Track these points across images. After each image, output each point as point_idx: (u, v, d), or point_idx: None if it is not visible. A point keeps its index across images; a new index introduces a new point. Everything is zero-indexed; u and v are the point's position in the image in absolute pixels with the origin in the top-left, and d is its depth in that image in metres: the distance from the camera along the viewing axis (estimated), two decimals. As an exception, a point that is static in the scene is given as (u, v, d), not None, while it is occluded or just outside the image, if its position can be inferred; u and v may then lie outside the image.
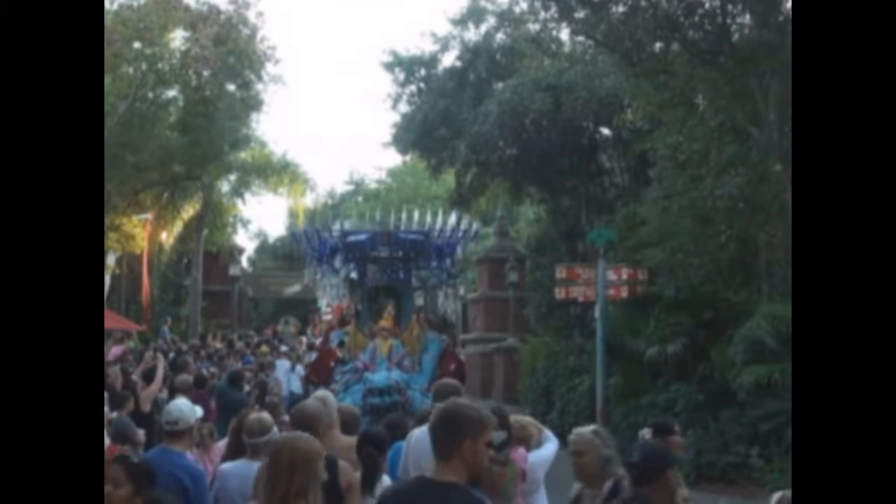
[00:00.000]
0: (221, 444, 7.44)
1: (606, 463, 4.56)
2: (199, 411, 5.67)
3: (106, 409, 8.27)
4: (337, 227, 14.70)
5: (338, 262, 14.45)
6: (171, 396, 9.44)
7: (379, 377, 11.63)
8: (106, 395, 8.94)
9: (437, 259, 14.52)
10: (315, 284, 16.37)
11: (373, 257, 14.28)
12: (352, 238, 14.11)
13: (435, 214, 14.98)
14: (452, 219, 15.00)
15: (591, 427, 4.81)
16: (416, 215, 14.90)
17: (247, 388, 12.49)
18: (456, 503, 3.13)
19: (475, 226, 15.80)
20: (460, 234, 14.36)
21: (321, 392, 6.20)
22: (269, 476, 3.57)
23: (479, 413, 3.35)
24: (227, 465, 5.48)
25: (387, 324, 12.98)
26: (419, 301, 15.39)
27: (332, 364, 13.29)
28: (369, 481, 5.14)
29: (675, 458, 4.54)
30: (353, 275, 14.55)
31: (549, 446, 6.08)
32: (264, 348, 20.10)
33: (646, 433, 5.90)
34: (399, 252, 14.17)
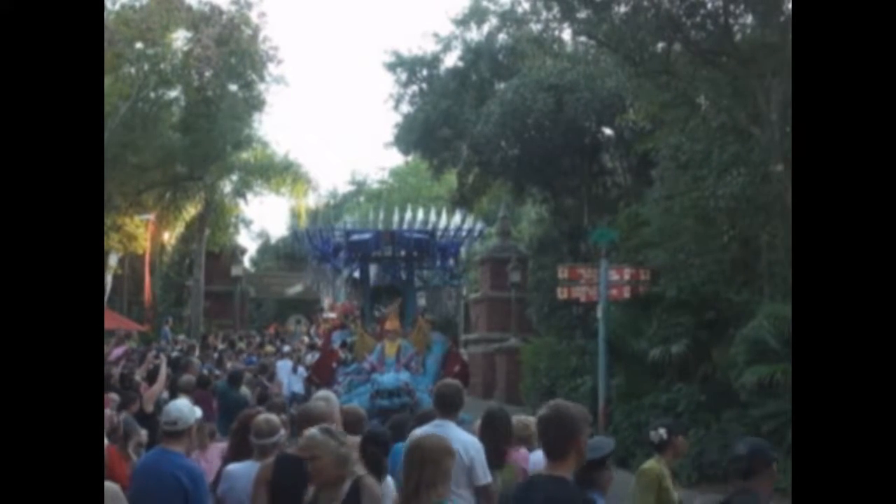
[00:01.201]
0: (220, 445, 7.46)
1: (343, 463, 4.37)
2: (198, 412, 5.66)
3: (111, 411, 8.25)
4: (341, 224, 14.41)
5: (341, 261, 14.32)
6: (174, 396, 9.43)
7: (387, 378, 11.28)
8: (116, 396, 8.93)
9: (441, 258, 14.39)
10: (317, 284, 16.21)
11: (376, 257, 14.10)
12: (355, 237, 13.81)
13: (439, 213, 14.83)
14: (457, 218, 14.71)
15: (322, 426, 4.52)
16: (420, 214, 14.71)
17: (244, 389, 12.41)
18: (567, 494, 3.52)
19: (479, 225, 15.34)
20: (465, 233, 14.15)
21: (323, 392, 6.20)
22: (405, 471, 4.07)
23: (581, 411, 3.75)
24: (235, 466, 5.47)
25: (393, 325, 12.60)
26: (420, 301, 15.16)
27: (335, 365, 13.14)
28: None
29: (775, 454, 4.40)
30: (356, 274, 14.38)
31: None
32: (269, 348, 20.10)
33: (662, 433, 5.78)
34: (402, 251, 13.98)
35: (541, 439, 3.67)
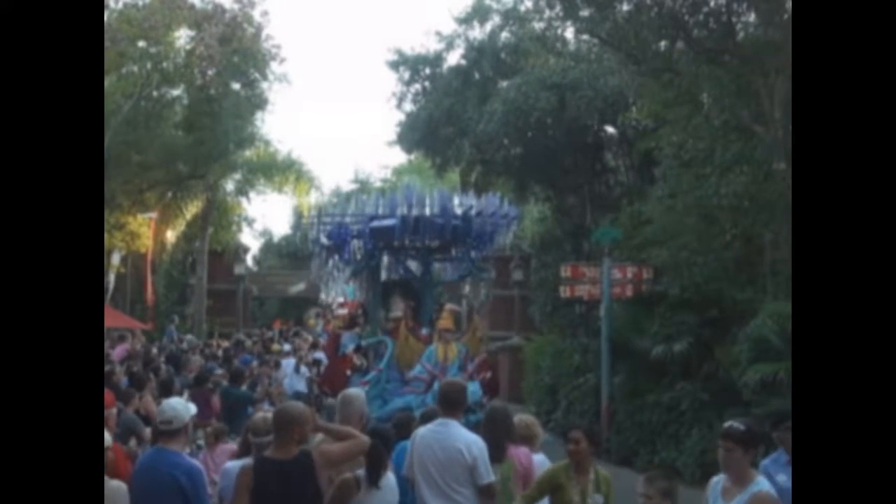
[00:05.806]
0: (229, 447, 7.47)
1: None
2: (192, 409, 5.62)
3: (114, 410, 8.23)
4: (363, 209, 12.77)
5: (349, 252, 12.88)
6: (168, 395, 9.39)
7: None
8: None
9: (475, 248, 12.82)
10: (322, 278, 15.15)
11: (399, 246, 12.71)
12: (376, 224, 12.27)
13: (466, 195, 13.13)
14: (485, 202, 12.89)
15: None
16: (456, 198, 12.81)
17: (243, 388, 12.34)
18: None
19: (514, 210, 13.51)
20: (501, 218, 12.55)
21: (354, 390, 6.17)
22: None
23: None
24: (232, 464, 5.50)
25: (447, 324, 11.27)
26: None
27: (349, 373, 11.99)
28: (374, 474, 5.16)
29: None
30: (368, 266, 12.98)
31: None
32: (276, 346, 20.08)
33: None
34: (429, 239, 12.45)
35: None
